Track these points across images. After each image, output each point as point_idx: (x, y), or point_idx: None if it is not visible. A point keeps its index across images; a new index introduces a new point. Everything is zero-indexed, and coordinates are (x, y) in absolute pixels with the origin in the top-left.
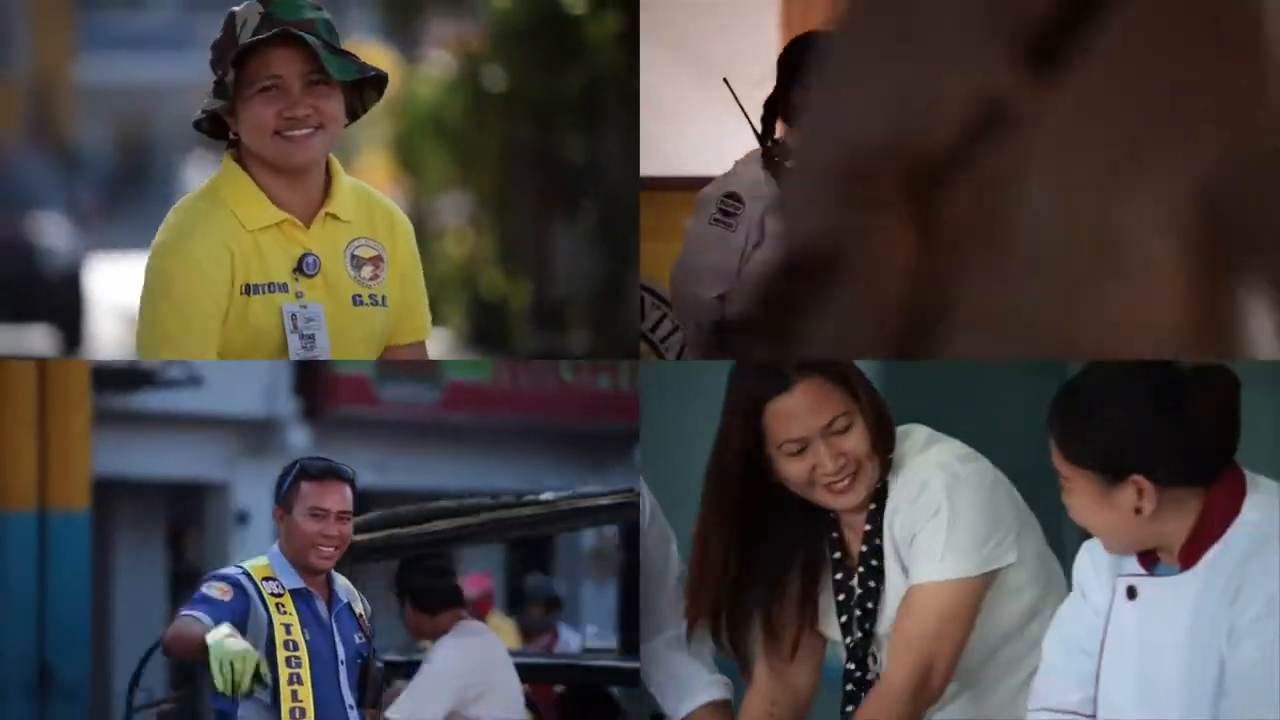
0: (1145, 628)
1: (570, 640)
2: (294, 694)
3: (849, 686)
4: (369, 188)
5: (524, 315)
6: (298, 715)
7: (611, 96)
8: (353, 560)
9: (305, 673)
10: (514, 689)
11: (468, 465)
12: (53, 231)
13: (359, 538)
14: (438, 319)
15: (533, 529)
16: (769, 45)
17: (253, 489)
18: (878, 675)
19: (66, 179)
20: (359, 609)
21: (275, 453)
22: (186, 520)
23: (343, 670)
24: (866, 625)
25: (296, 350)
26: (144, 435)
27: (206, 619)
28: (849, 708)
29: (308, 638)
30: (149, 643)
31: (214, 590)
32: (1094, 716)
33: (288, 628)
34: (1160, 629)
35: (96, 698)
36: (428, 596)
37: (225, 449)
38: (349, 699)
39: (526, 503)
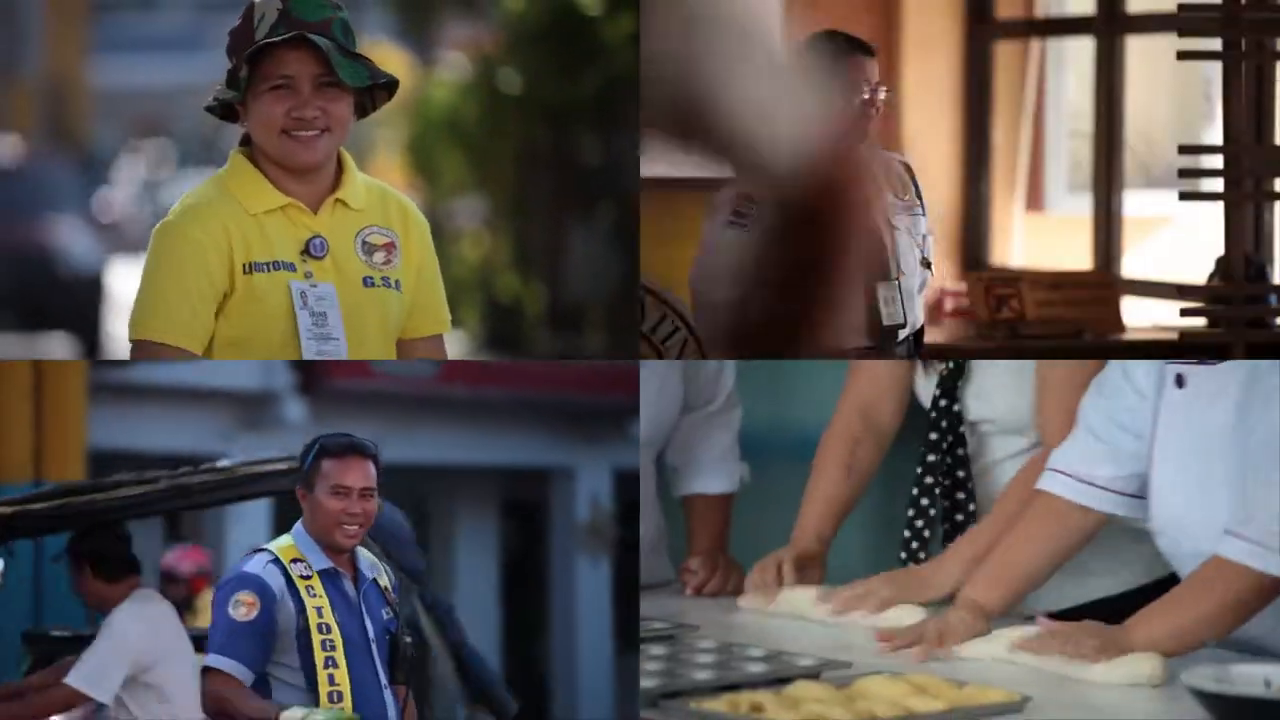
0: (1193, 414)
1: None
2: (330, 678)
3: (934, 414)
4: (385, 184)
5: (539, 318)
6: (335, 699)
7: (627, 99)
8: (31, 530)
9: (340, 655)
10: (190, 657)
11: (466, 438)
12: (67, 236)
13: (36, 506)
14: (453, 322)
15: (211, 495)
16: None
17: None
18: (964, 408)
19: (81, 182)
20: (383, 582)
21: (271, 426)
22: None
23: (374, 649)
24: (959, 359)
25: (308, 327)
26: (139, 408)
27: (240, 670)
28: (932, 435)
29: (339, 619)
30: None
31: (239, 610)
32: (1126, 494)
33: (320, 610)
34: (1206, 415)
35: None
36: (109, 564)
37: (220, 422)
38: (383, 678)
39: (204, 470)
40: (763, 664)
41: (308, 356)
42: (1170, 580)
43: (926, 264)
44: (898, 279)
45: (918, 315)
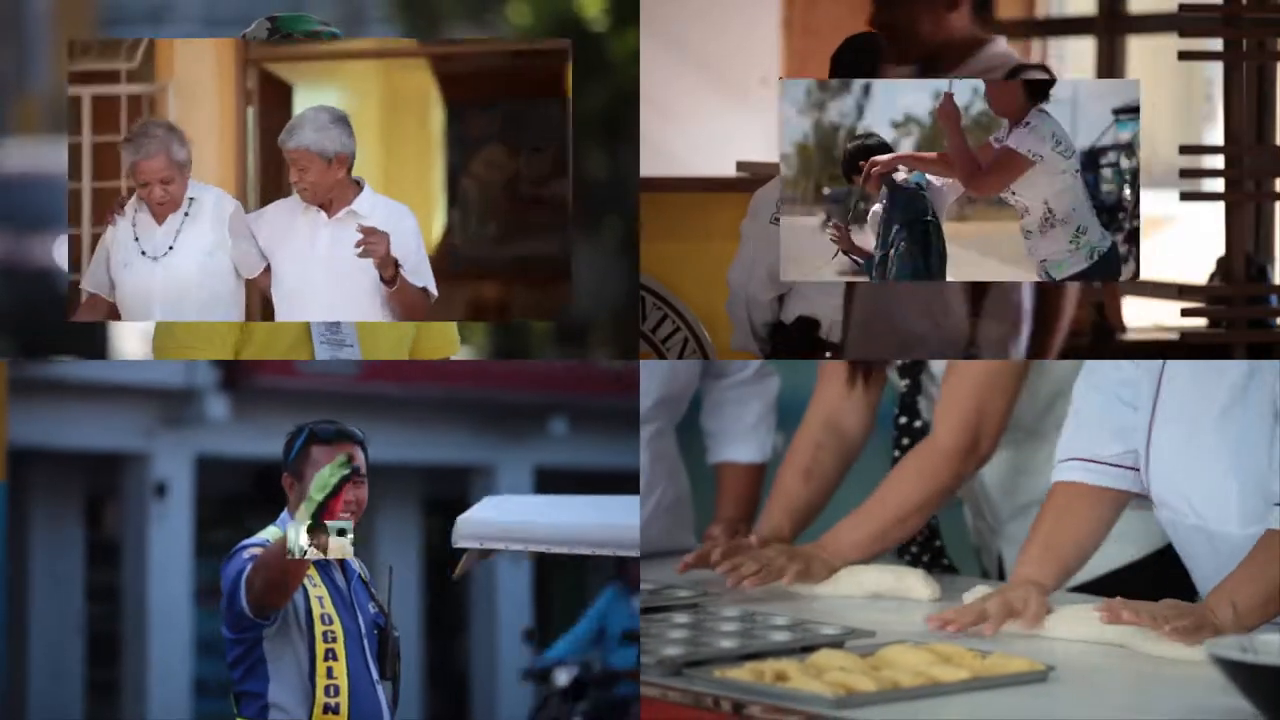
0: (1199, 379)
1: None
2: (329, 670)
3: (896, 432)
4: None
5: (548, 333)
6: (332, 693)
7: (634, 113)
8: None
9: (340, 648)
10: None
11: (388, 436)
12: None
13: None
14: (462, 339)
15: None
16: (769, 45)
17: (171, 459)
18: (925, 423)
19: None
20: (366, 576)
21: (193, 423)
22: (104, 491)
23: (365, 643)
24: (915, 372)
25: (320, 331)
26: (61, 405)
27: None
28: (895, 453)
29: (337, 610)
30: (63, 616)
31: (257, 550)
32: (1134, 469)
33: (320, 600)
34: (1210, 383)
35: (13, 670)
36: None
37: (143, 419)
38: (374, 673)
39: None
40: (786, 632)
41: (320, 359)
42: (1168, 550)
43: None
44: None
45: None
